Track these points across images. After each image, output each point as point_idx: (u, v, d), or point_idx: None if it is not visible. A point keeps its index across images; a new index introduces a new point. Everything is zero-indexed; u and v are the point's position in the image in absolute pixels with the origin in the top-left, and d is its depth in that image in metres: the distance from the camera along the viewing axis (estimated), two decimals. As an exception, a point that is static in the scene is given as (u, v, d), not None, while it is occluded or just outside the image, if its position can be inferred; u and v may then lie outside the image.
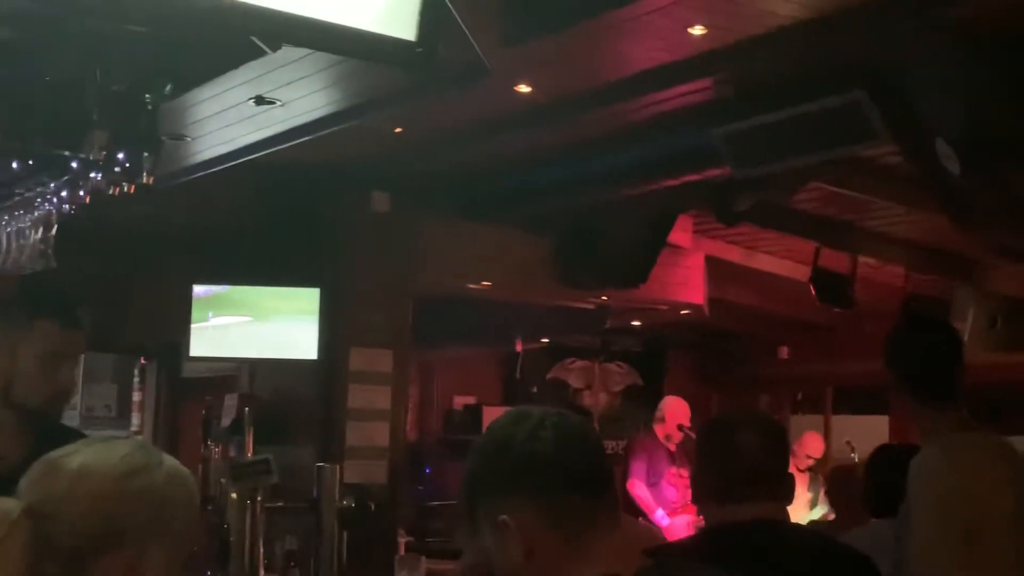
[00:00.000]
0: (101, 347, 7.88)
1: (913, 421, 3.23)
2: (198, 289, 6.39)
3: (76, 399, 8.13)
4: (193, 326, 6.36)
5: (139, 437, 7.71)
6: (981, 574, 2.90)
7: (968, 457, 3.05)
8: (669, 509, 7.89)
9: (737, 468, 2.53)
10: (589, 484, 1.66)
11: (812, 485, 8.48)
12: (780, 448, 2.61)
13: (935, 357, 3.18)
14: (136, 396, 7.91)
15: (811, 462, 8.52)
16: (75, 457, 1.60)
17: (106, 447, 1.63)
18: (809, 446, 8.57)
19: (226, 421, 6.55)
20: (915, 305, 7.34)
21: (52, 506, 1.54)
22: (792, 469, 8.05)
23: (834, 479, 8.56)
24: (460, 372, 10.49)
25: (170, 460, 1.67)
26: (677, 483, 7.92)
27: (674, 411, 8.18)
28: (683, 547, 2.92)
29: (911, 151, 4.78)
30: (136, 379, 7.91)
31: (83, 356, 8.13)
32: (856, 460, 8.54)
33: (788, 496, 2.66)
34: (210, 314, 6.37)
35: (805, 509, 8.15)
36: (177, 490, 1.63)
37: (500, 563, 1.65)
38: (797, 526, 2.69)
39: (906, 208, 6.61)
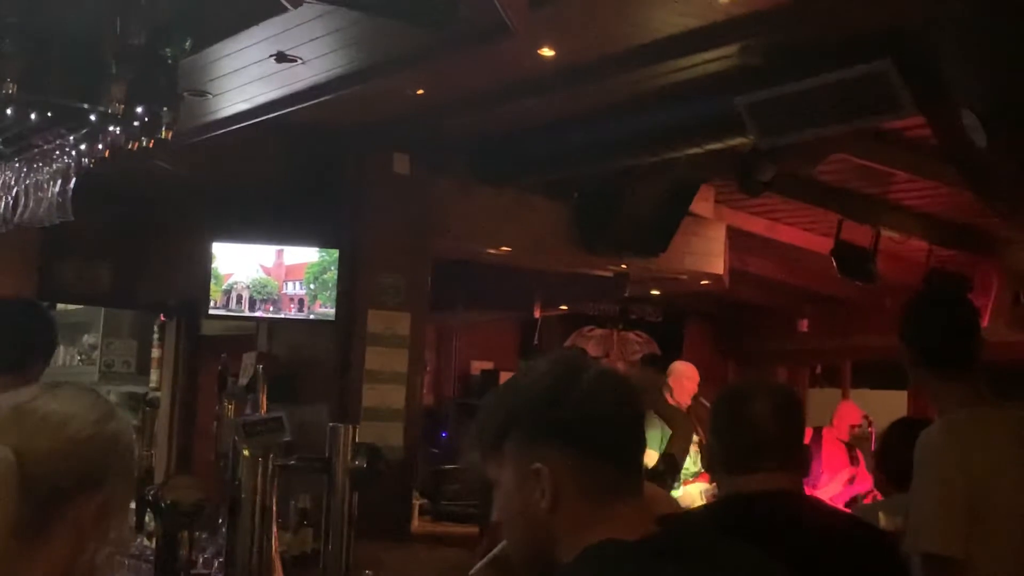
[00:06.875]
0: (121, 303, 7.91)
1: (928, 395, 3.19)
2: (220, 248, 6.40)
3: (95, 354, 8.18)
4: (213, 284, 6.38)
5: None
6: (983, 553, 2.86)
7: (972, 433, 3.00)
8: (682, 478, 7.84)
9: (745, 437, 2.48)
10: (628, 450, 1.65)
11: (852, 461, 7.94)
12: (791, 418, 2.54)
13: (949, 330, 3.14)
14: (155, 352, 7.93)
15: (856, 431, 7.96)
16: (44, 404, 1.65)
17: (70, 395, 1.69)
18: (849, 415, 8.07)
19: (244, 380, 6.55)
20: (937, 279, 7.25)
21: (32, 451, 1.59)
22: (833, 441, 7.97)
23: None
24: (478, 337, 10.50)
25: (118, 406, 1.78)
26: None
27: (685, 377, 8.05)
28: (693, 517, 2.90)
29: (937, 122, 4.73)
30: (155, 336, 7.93)
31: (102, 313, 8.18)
32: (873, 435, 8.39)
33: (801, 468, 2.62)
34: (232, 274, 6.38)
35: (840, 486, 7.59)
36: (130, 433, 1.73)
37: (517, 507, 1.64)
38: (811, 498, 2.64)
39: (930, 182, 6.54)
